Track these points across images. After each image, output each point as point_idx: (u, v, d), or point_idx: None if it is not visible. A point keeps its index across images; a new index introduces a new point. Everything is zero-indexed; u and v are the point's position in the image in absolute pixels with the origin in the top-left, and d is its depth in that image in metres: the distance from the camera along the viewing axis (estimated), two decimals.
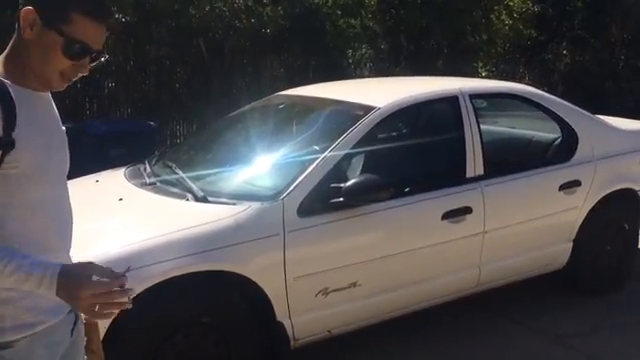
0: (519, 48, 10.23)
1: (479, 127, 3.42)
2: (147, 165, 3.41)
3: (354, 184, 2.78)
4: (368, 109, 3.18)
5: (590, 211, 3.78)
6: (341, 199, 2.77)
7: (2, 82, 1.42)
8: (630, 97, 10.18)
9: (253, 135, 3.43)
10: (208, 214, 2.66)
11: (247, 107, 3.83)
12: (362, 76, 7.55)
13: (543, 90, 9.10)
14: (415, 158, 3.31)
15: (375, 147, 3.10)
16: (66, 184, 1.61)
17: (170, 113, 6.49)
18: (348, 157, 2.96)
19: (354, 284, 2.89)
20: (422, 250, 3.08)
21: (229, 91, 6.44)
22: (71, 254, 1.59)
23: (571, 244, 3.78)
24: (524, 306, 3.80)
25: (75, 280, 1.37)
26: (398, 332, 3.35)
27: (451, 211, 3.15)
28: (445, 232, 3.15)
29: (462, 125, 3.37)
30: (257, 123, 3.57)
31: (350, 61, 7.67)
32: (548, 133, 3.99)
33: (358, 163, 3.03)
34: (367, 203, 2.81)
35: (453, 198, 3.19)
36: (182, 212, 2.74)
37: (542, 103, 3.74)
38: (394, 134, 3.30)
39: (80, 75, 1.51)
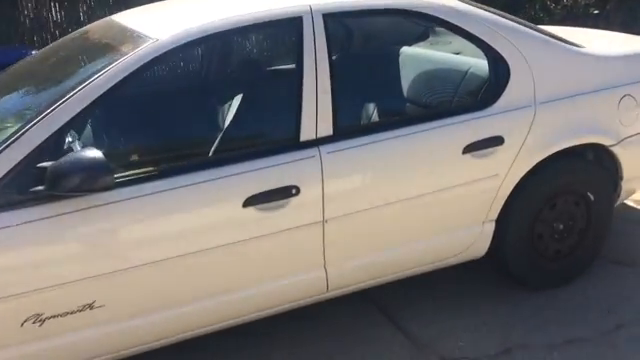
0: None
1: (331, 63, 2.28)
2: None
3: (58, 165, 1.82)
4: (139, 42, 2.14)
5: (525, 178, 2.62)
6: (42, 187, 1.86)
7: None
8: None
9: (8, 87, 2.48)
10: None
11: (52, 45, 2.83)
12: None
13: None
14: (210, 117, 2.28)
15: (140, 102, 2.10)
16: None
17: None
18: (84, 118, 1.98)
19: (90, 306, 2.01)
20: (211, 252, 2.11)
21: None
22: None
23: (492, 225, 2.66)
24: (425, 307, 2.79)
25: None
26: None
27: (263, 194, 2.14)
28: (253, 225, 2.15)
29: (301, 62, 2.26)
30: (31, 67, 2.60)
31: None
32: None
33: (105, 128, 2.05)
34: (80, 193, 1.87)
35: (269, 174, 2.15)
36: None
37: (449, 20, 2.48)
38: (181, 80, 2.26)
39: None
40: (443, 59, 2.81)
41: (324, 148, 2.24)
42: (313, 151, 2.22)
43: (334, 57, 2.31)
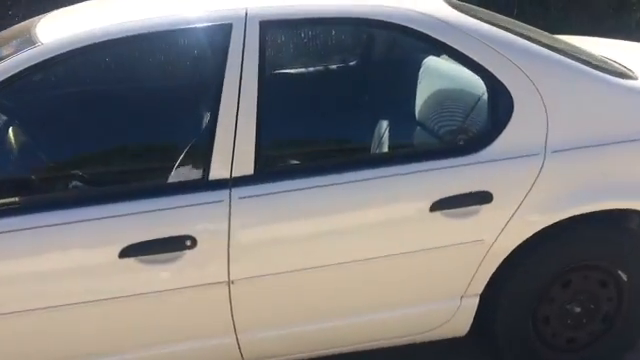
0: None
1: (262, 82, 1.78)
2: None
3: None
4: (25, 45, 1.78)
5: (524, 246, 1.98)
6: None
7: None
8: None
9: None
10: None
11: None
12: None
13: None
14: (93, 141, 1.86)
15: (9, 120, 1.74)
16: None
17: None
18: None
19: None
20: (78, 308, 1.73)
21: None
22: None
23: (475, 301, 2.05)
24: None
25: None
26: None
27: (145, 244, 1.71)
28: (131, 279, 1.74)
29: (221, 78, 1.79)
30: None
31: None
32: None
33: None
34: None
35: (156, 220, 1.72)
36: None
37: (426, 32, 1.86)
38: (61, 97, 1.87)
39: None
40: (424, 80, 2.20)
41: (237, 191, 1.77)
42: (221, 194, 1.76)
43: (268, 75, 1.82)
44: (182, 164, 1.78)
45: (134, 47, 1.85)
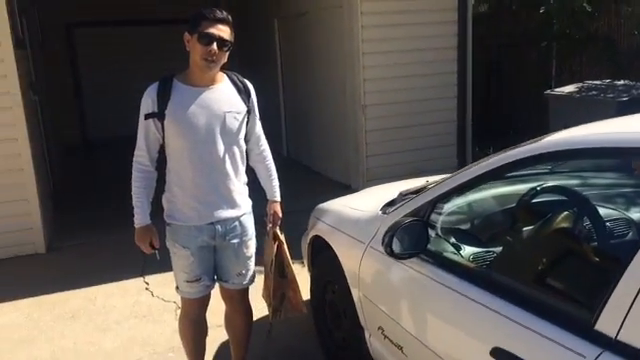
0: None
1: None
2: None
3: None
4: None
5: None
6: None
7: (170, 80, 2.29)
8: None
9: None
10: None
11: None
12: None
13: None
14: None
15: None
16: (219, 144, 2.28)
17: None
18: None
19: None
20: None
21: None
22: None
23: None
24: None
25: (137, 234, 2.40)
26: None
27: (510, 355, 1.51)
28: None
29: None
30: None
31: None
32: None
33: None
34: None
35: (522, 335, 1.50)
36: None
37: None
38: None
39: (214, 57, 2.20)
40: None
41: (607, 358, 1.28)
42: (589, 350, 1.34)
43: None
44: (573, 290, 1.44)
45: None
